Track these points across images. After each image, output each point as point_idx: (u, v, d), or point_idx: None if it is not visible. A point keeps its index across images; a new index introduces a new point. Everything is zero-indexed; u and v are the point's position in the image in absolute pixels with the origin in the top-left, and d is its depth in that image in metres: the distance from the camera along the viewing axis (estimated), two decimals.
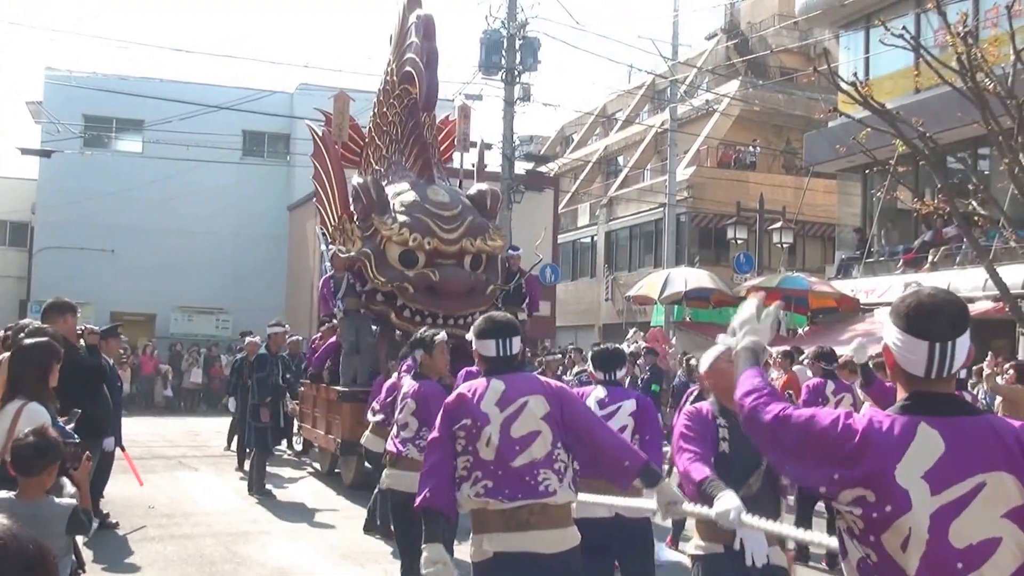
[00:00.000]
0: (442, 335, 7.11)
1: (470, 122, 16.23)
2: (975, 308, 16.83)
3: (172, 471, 14.74)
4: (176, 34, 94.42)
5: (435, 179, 13.77)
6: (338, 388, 12.85)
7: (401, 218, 12.79)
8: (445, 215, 12.95)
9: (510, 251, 14.60)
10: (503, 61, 24.50)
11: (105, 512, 9.80)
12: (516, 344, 4.54)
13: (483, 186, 14.38)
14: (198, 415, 25.80)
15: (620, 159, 39.28)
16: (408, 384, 6.95)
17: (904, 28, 14.62)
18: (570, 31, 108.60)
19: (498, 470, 4.24)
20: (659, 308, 24.02)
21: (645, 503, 4.68)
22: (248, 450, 13.60)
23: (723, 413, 4.61)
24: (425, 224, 12.72)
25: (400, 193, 13.31)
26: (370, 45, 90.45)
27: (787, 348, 13.70)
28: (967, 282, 17.86)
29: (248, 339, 15.67)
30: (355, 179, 13.92)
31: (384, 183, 13.68)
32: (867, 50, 22.54)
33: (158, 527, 10.24)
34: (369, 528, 9.95)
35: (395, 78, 14.52)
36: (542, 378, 4.65)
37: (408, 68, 13.93)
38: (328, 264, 13.84)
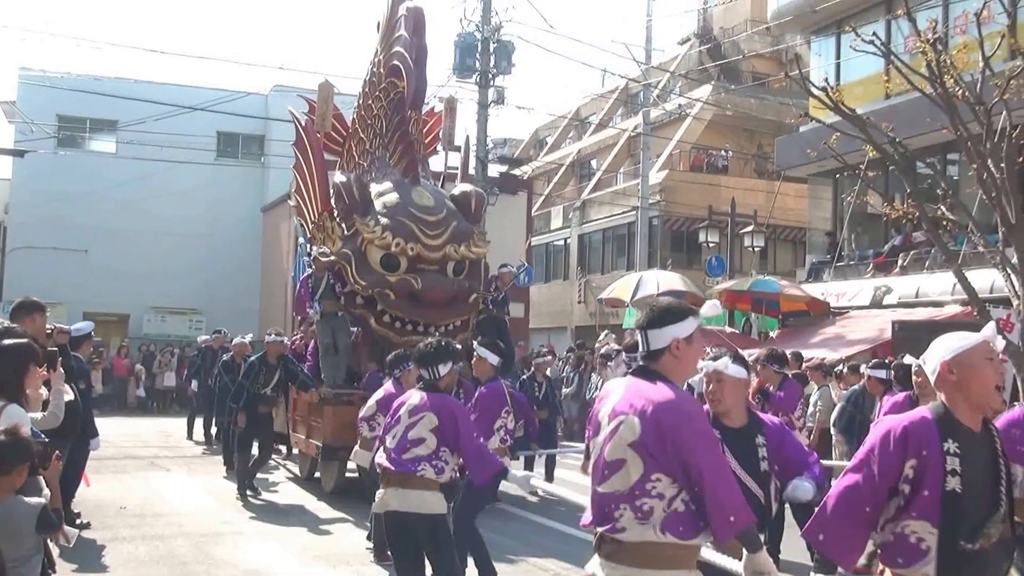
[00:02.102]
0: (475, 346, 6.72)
1: (455, 117, 15.83)
2: (944, 312, 17.00)
3: (144, 471, 14.68)
4: (150, 35, 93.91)
5: (420, 179, 13.36)
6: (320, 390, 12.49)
7: (384, 221, 12.42)
8: (429, 220, 12.57)
9: (509, 268, 14.17)
10: (477, 64, 24.55)
11: (77, 512, 9.78)
12: (656, 338, 3.74)
13: (467, 187, 13.94)
14: (171, 416, 25.66)
15: (593, 162, 39.42)
16: (418, 396, 6.25)
17: (875, 34, 14.71)
18: (544, 35, 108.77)
19: (594, 489, 3.73)
20: (631, 311, 24.04)
21: (732, 563, 4.09)
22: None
23: (953, 430, 3.50)
24: (409, 229, 12.37)
25: (384, 193, 12.89)
26: (346, 47, 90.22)
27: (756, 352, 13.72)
28: (936, 286, 18.02)
29: (237, 340, 15.64)
30: (337, 176, 13.46)
31: (367, 179, 13.31)
32: (838, 55, 22.72)
33: (130, 527, 10.21)
34: (380, 556, 8.59)
35: (382, 70, 14.08)
36: (655, 392, 3.62)
37: (396, 62, 13.50)
38: (306, 259, 13.54)
